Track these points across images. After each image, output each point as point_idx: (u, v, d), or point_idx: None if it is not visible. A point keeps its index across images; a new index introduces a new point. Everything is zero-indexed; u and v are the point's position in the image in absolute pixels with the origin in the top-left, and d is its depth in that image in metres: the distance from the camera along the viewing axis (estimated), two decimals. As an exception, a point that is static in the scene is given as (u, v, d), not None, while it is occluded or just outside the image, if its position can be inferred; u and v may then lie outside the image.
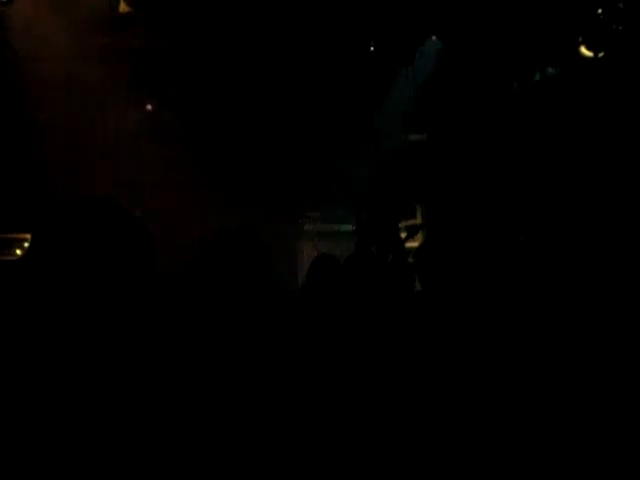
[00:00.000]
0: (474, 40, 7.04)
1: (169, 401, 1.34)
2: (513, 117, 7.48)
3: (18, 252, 6.85)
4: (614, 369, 2.50)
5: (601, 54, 6.52)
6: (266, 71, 7.53)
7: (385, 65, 7.65)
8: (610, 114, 6.43)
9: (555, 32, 6.69)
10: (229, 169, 8.07)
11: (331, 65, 7.49)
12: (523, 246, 6.27)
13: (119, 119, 7.35)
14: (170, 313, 1.64)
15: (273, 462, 1.58)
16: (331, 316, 2.60)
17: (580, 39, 6.60)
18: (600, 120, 6.52)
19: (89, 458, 1.11)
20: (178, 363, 1.50)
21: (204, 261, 1.75)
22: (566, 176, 6.80)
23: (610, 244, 4.67)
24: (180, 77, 7.52)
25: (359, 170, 8.41)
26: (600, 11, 6.36)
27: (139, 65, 7.07)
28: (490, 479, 2.24)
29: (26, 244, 6.73)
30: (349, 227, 8.86)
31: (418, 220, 8.92)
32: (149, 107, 8.16)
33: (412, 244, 7.89)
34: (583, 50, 6.63)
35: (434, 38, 7.41)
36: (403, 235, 8.29)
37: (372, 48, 7.41)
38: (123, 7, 6.59)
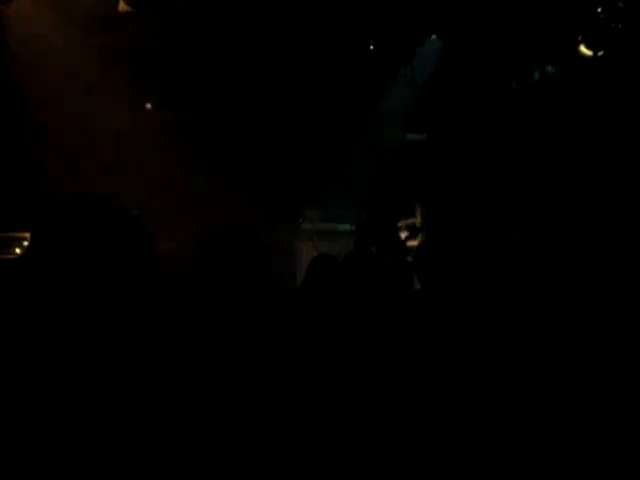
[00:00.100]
0: (474, 39, 7.04)
1: (169, 400, 1.34)
2: (512, 116, 7.48)
3: (17, 251, 6.85)
4: (614, 368, 2.50)
5: (601, 53, 6.53)
6: (266, 71, 7.53)
7: (385, 65, 7.65)
8: (610, 113, 6.43)
9: (554, 31, 6.69)
10: (228, 169, 8.07)
11: (331, 64, 7.49)
12: (521, 245, 6.27)
13: (118, 118, 7.35)
14: (169, 313, 1.64)
15: (273, 462, 1.59)
16: (330, 315, 2.60)
17: (580, 38, 6.60)
18: (600, 119, 6.52)
19: (89, 458, 1.11)
20: (178, 362, 1.50)
21: (203, 261, 1.75)
22: (565, 175, 6.81)
23: (609, 243, 4.67)
24: (179, 76, 7.52)
25: (358, 170, 8.41)
26: (600, 10, 6.36)
27: (139, 64, 7.07)
28: (490, 479, 2.24)
29: (25, 243, 6.73)
30: (348, 226, 8.87)
31: (418, 219, 8.92)
32: (148, 106, 8.16)
33: (412, 243, 7.90)
34: (583, 49, 6.63)
35: (434, 37, 7.41)
36: (403, 234, 8.30)
37: (371, 47, 7.41)
38: (122, 6, 6.59)
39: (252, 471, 1.53)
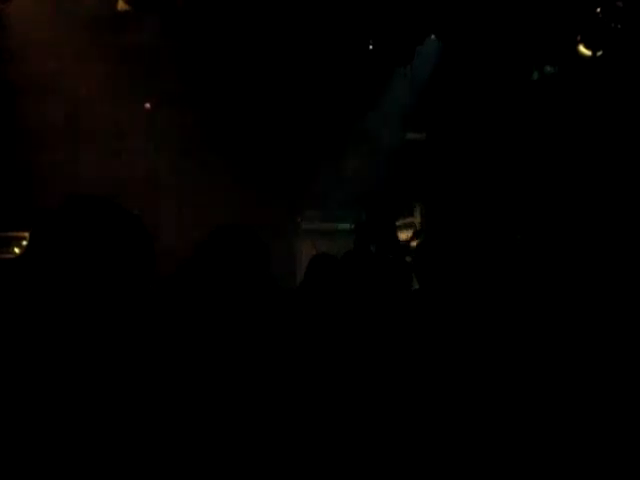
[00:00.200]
0: (473, 39, 7.04)
1: (169, 399, 1.34)
2: (511, 115, 7.49)
3: (16, 250, 6.85)
4: (613, 367, 2.50)
5: (600, 53, 6.53)
6: (265, 70, 7.53)
7: (384, 64, 7.65)
8: (609, 113, 6.44)
9: (554, 31, 6.69)
10: (228, 168, 8.07)
11: (330, 64, 7.49)
12: (521, 245, 6.27)
13: (119, 117, 7.35)
14: (169, 312, 1.64)
15: (273, 462, 1.59)
16: (329, 314, 2.60)
17: (579, 38, 6.61)
18: (599, 119, 6.52)
19: (89, 458, 1.11)
20: (177, 361, 1.50)
21: (202, 260, 1.75)
22: (565, 174, 6.81)
23: (609, 243, 4.67)
24: (179, 75, 7.52)
25: (358, 169, 8.41)
26: (599, 10, 6.36)
27: (139, 63, 7.07)
28: (490, 479, 2.24)
29: (24, 242, 6.73)
30: (348, 226, 8.86)
31: (417, 219, 8.91)
32: (147, 105, 8.15)
33: (412, 243, 7.90)
34: (582, 49, 6.63)
35: (433, 37, 7.42)
36: (402, 234, 8.29)
37: (371, 47, 7.41)
38: (121, 5, 6.58)
39: (252, 471, 1.53)
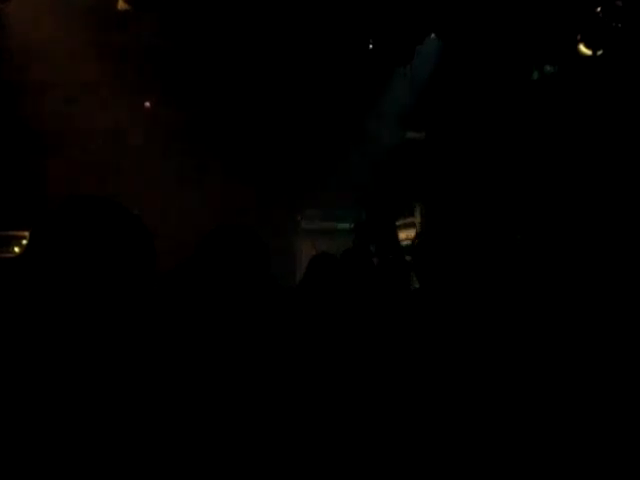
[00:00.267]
0: (473, 39, 7.03)
1: (169, 399, 1.35)
2: (511, 115, 7.48)
3: (16, 250, 6.85)
4: (613, 368, 2.50)
5: (600, 52, 6.52)
6: (265, 69, 7.52)
7: (384, 64, 7.65)
8: (609, 112, 6.43)
9: (554, 30, 6.69)
10: (227, 167, 8.07)
11: (330, 63, 7.49)
12: (521, 244, 6.27)
13: (118, 117, 7.35)
14: (169, 311, 1.64)
15: (273, 462, 1.59)
16: (329, 313, 2.60)
17: (579, 37, 6.60)
18: (599, 118, 6.52)
19: (89, 458, 1.11)
20: (177, 361, 1.50)
21: (202, 259, 1.75)
22: (565, 174, 6.81)
23: (609, 243, 4.67)
24: (178, 75, 7.52)
25: (358, 168, 8.41)
26: (599, 9, 6.36)
27: (138, 63, 7.07)
28: (490, 479, 2.24)
29: (24, 242, 6.73)
30: (347, 225, 8.86)
31: (417, 218, 8.92)
32: (147, 105, 8.15)
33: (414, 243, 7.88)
34: (582, 48, 6.62)
35: (433, 37, 7.41)
36: (402, 234, 8.29)
37: (371, 46, 7.40)
38: (121, 4, 6.58)
39: (252, 471, 1.53)
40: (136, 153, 7.46)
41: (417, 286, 3.18)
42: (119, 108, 7.21)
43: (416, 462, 2.18)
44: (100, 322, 1.19)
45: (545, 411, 2.35)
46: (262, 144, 8.37)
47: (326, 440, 1.92)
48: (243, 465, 1.52)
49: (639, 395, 2.36)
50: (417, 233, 8.07)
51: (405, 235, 8.55)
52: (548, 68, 7.29)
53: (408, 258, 3.66)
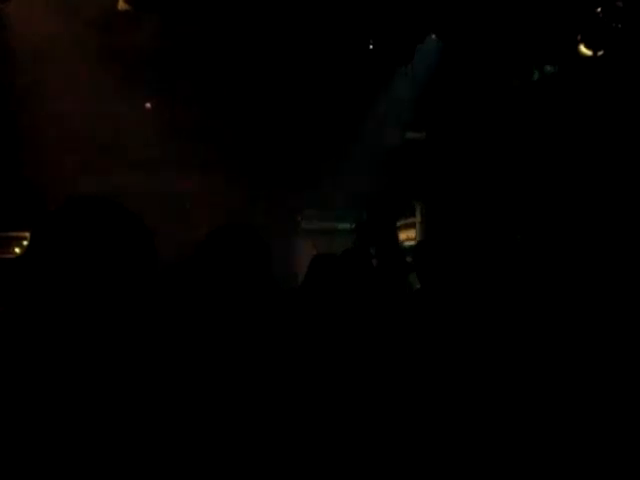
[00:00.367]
0: (473, 39, 7.03)
1: (169, 399, 1.34)
2: (512, 116, 7.48)
3: (17, 250, 6.85)
4: (613, 367, 2.50)
5: (600, 53, 6.52)
6: (266, 69, 7.52)
7: (384, 63, 7.65)
8: (609, 113, 6.43)
9: (554, 30, 6.69)
10: (227, 167, 8.08)
11: (331, 63, 7.48)
12: (521, 245, 6.27)
13: (118, 117, 7.35)
14: (170, 311, 1.64)
15: (273, 462, 1.59)
16: (331, 314, 2.60)
17: (579, 37, 6.60)
18: (599, 119, 6.52)
19: (89, 458, 1.11)
20: (178, 361, 1.50)
21: (203, 259, 1.75)
22: (565, 175, 6.80)
23: (609, 243, 4.67)
24: (179, 75, 7.52)
25: (358, 168, 8.41)
26: (599, 10, 6.36)
27: (139, 63, 7.06)
28: (490, 479, 2.24)
29: (25, 242, 6.73)
30: (348, 225, 8.86)
31: (418, 219, 8.92)
32: (148, 105, 8.16)
33: (411, 244, 7.89)
34: (582, 49, 6.62)
35: (433, 36, 7.41)
36: (403, 234, 8.29)
37: (371, 46, 7.40)
38: (122, 5, 6.58)
39: (252, 471, 1.53)
40: (137, 154, 7.46)
41: (418, 287, 3.18)
42: (120, 108, 7.21)
43: (416, 462, 2.18)
44: (101, 322, 1.19)
45: (545, 411, 2.35)
46: (262, 144, 8.37)
47: (327, 441, 1.92)
48: (243, 465, 1.52)
49: (639, 395, 2.36)
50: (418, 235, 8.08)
51: (406, 236, 8.55)
52: (548, 68, 7.29)
53: (409, 259, 3.66)
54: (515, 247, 6.01)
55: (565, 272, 3.53)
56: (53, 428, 1.09)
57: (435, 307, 2.74)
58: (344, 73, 7.67)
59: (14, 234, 7.01)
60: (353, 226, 8.22)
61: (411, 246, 7.90)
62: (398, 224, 8.58)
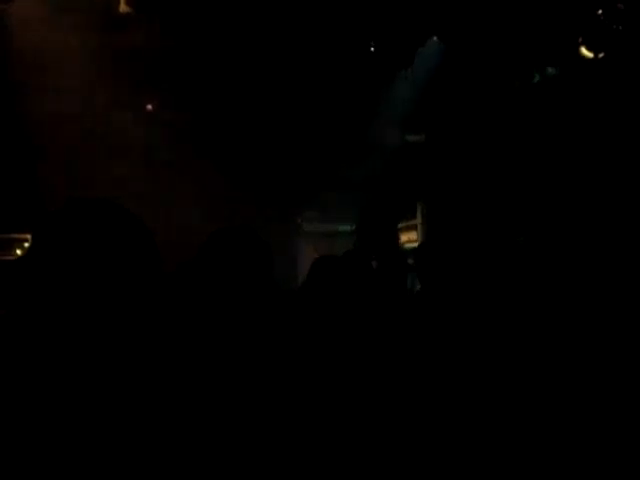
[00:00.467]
0: (474, 41, 7.04)
1: (170, 400, 1.34)
2: (513, 118, 7.48)
3: (18, 252, 6.85)
4: (613, 368, 2.50)
5: (601, 55, 6.52)
6: (267, 71, 7.53)
7: (385, 66, 7.65)
8: (610, 115, 6.43)
9: (555, 33, 6.69)
10: (228, 169, 8.08)
11: (331, 66, 7.49)
12: (524, 247, 6.27)
13: (119, 118, 7.35)
14: (171, 314, 1.64)
15: (273, 462, 1.58)
16: (332, 316, 2.60)
17: (580, 40, 6.60)
18: (600, 121, 6.52)
19: (89, 458, 1.11)
20: (180, 364, 1.50)
21: (204, 260, 1.75)
22: (566, 177, 6.81)
23: (611, 245, 4.67)
24: (179, 77, 7.53)
25: (358, 170, 8.41)
26: (600, 12, 6.36)
27: (140, 65, 7.07)
28: (490, 479, 2.24)
29: (26, 244, 6.74)
30: (348, 227, 8.87)
31: (419, 220, 8.92)
32: (149, 107, 8.16)
33: (412, 245, 7.90)
34: (583, 51, 6.62)
35: (435, 39, 7.42)
36: (404, 236, 8.29)
37: (372, 49, 7.41)
38: (123, 7, 6.59)
39: (252, 471, 1.53)
40: (137, 155, 7.46)
41: (419, 288, 3.18)
42: (121, 110, 7.22)
43: (417, 462, 2.18)
44: (103, 324, 1.19)
45: (546, 411, 2.35)
46: (263, 146, 8.37)
47: (327, 442, 1.92)
48: (243, 465, 1.52)
49: (639, 395, 2.35)
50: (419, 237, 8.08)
51: (407, 237, 8.55)
52: (549, 71, 7.29)
53: (410, 261, 3.66)
54: (517, 249, 6.01)
55: (567, 275, 3.53)
56: (54, 430, 1.09)
57: (436, 309, 2.74)
58: (345, 75, 7.67)
59: (15, 236, 7.02)
60: (353, 228, 8.23)
61: (412, 248, 7.90)
62: (399, 226, 8.59)
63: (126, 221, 1.25)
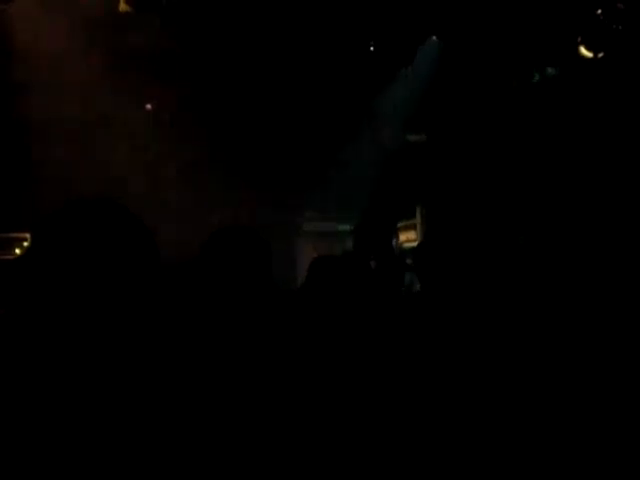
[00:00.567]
0: (474, 40, 7.04)
1: (170, 400, 1.34)
2: (513, 118, 7.49)
3: (17, 251, 6.85)
4: (614, 368, 2.50)
5: (601, 54, 6.52)
6: (266, 69, 7.53)
7: (385, 65, 7.65)
8: (610, 115, 6.44)
9: (554, 32, 6.69)
10: (227, 168, 8.07)
11: (331, 65, 7.49)
12: (524, 247, 6.27)
13: (119, 118, 7.35)
14: (171, 313, 1.64)
15: (273, 462, 1.58)
16: (331, 316, 2.60)
17: (580, 39, 6.60)
18: (600, 121, 6.52)
19: (90, 458, 1.11)
20: (179, 363, 1.50)
21: (205, 260, 1.75)
22: (566, 176, 6.81)
23: (611, 244, 4.67)
24: (180, 76, 7.52)
25: (358, 170, 8.41)
26: (600, 11, 6.36)
27: (140, 64, 7.07)
28: (490, 479, 2.24)
29: (25, 243, 6.74)
30: (348, 227, 8.86)
31: (418, 220, 8.92)
32: (148, 107, 8.16)
33: (411, 245, 7.90)
34: (583, 50, 6.62)
35: (434, 38, 7.41)
36: (404, 236, 8.29)
37: (372, 48, 7.41)
38: (123, 6, 6.58)
39: (252, 472, 1.53)
40: (138, 155, 7.46)
41: (419, 288, 3.18)
42: (121, 108, 7.21)
43: (417, 463, 2.18)
44: (102, 323, 1.19)
45: (546, 412, 2.35)
46: (262, 145, 8.37)
47: (327, 442, 1.92)
48: (243, 466, 1.52)
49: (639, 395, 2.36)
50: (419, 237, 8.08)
51: (406, 237, 8.55)
52: (549, 70, 7.29)
53: (409, 261, 3.66)
54: (517, 249, 6.01)
55: (568, 275, 3.53)
56: (54, 430, 1.09)
57: (435, 309, 2.74)
58: (345, 75, 7.67)
59: (15, 235, 7.01)
60: (353, 228, 8.22)
61: (411, 247, 7.90)
62: (398, 225, 8.58)
63: (126, 221, 1.25)
